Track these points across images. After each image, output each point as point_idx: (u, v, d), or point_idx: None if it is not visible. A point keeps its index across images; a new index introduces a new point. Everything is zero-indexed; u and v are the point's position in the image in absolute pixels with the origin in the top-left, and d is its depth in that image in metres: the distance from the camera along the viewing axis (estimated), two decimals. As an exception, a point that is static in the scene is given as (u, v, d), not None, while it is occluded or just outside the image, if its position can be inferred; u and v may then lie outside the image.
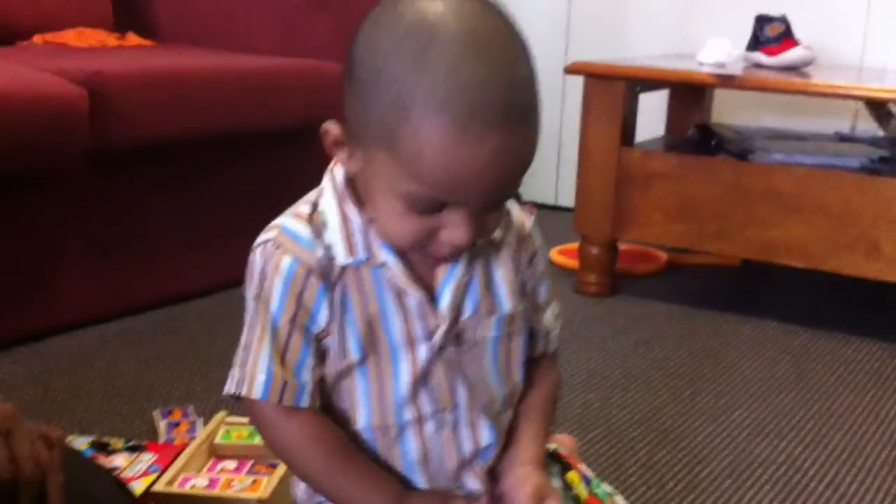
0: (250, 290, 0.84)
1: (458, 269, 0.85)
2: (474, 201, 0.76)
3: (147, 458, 1.28)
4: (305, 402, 0.83)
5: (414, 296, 0.83)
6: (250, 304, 0.84)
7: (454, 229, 0.77)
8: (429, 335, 0.84)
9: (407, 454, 0.86)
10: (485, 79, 0.74)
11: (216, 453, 1.31)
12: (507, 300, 0.88)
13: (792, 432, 1.59)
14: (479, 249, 0.86)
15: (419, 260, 0.84)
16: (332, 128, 0.82)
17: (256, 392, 0.82)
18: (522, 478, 0.87)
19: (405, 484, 0.87)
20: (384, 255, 0.83)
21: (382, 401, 0.84)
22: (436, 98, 0.72)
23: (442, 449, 0.86)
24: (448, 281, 0.84)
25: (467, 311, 0.86)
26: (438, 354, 0.84)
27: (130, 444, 1.33)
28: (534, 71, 0.80)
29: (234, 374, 0.84)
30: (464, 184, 0.74)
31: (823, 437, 1.58)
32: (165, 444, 1.35)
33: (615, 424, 1.58)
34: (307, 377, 0.83)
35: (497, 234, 0.87)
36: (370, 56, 0.76)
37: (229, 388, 0.85)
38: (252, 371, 0.82)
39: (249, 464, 1.29)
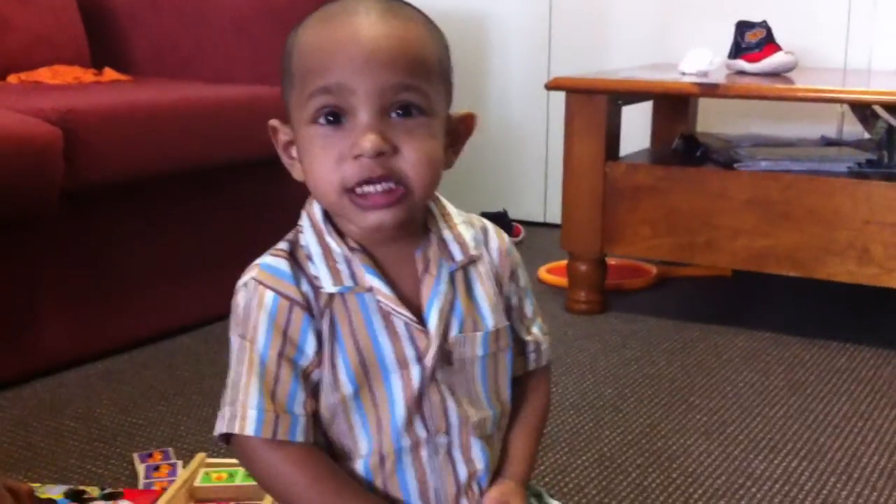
0: (235, 329, 0.84)
1: (442, 288, 0.85)
2: (362, 90, 0.79)
3: (123, 505, 1.25)
4: (300, 435, 0.82)
5: (402, 317, 0.83)
6: (236, 342, 0.84)
7: (358, 136, 0.79)
8: (419, 357, 0.84)
9: (406, 485, 0.85)
10: (356, 2, 0.83)
11: (195, 497, 1.29)
12: (489, 317, 0.88)
13: (787, 445, 1.56)
14: (459, 269, 0.88)
15: (404, 283, 0.85)
16: (277, 125, 0.88)
17: (249, 428, 0.81)
18: (501, 493, 0.88)
19: None
20: (370, 281, 0.83)
21: (381, 429, 0.83)
22: (313, 19, 0.83)
23: (439, 477, 0.86)
24: (433, 300, 0.85)
25: (454, 329, 0.86)
26: (431, 376, 0.84)
27: (106, 491, 1.31)
28: (424, 22, 0.85)
29: (225, 413, 0.83)
30: (340, 62, 0.79)
31: (819, 449, 1.55)
32: (143, 490, 1.32)
33: (607, 447, 1.55)
34: (300, 410, 0.82)
35: (474, 251, 0.89)
36: (286, 44, 0.85)
37: (220, 427, 0.83)
38: (243, 407, 0.81)
39: (229, 506, 1.26)
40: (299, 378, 0.82)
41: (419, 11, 0.85)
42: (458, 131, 0.88)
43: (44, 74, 2.21)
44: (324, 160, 0.80)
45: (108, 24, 2.47)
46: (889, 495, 1.41)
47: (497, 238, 0.92)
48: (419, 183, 0.81)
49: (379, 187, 0.79)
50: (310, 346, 0.82)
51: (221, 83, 2.24)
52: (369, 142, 0.78)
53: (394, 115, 0.80)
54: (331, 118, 0.80)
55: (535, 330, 0.95)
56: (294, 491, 0.82)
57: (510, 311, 0.92)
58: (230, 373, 0.84)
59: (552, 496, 1.00)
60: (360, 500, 0.83)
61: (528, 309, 0.95)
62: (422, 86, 0.80)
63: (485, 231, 0.92)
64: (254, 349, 0.82)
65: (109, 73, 2.31)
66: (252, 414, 0.81)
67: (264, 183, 2.13)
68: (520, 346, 0.94)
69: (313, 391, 0.83)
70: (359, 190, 0.80)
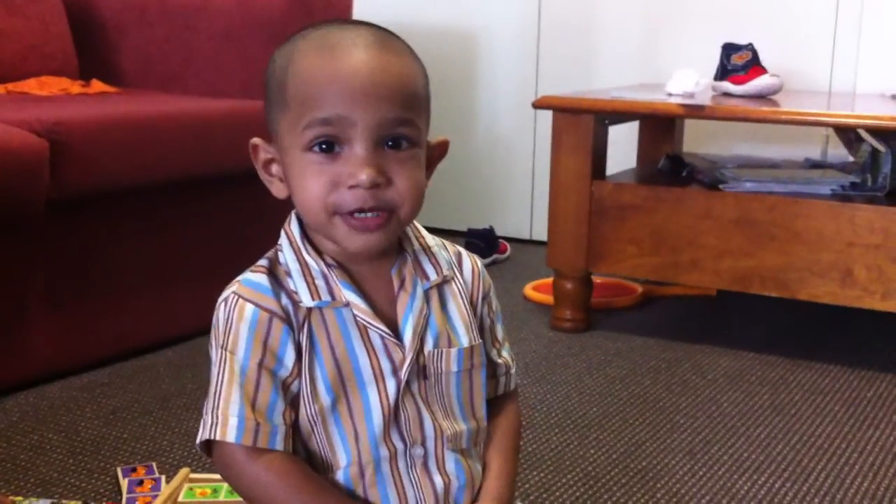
0: (216, 341, 0.86)
1: (417, 304, 0.89)
2: (361, 123, 0.82)
3: (106, 520, 1.24)
4: (279, 444, 0.84)
5: (378, 331, 0.86)
6: (217, 353, 0.86)
7: (353, 167, 0.82)
8: (395, 370, 0.86)
9: (386, 496, 0.86)
10: (350, 32, 0.86)
11: (179, 512, 1.28)
12: (464, 334, 0.92)
13: (771, 466, 1.57)
14: (433, 287, 0.91)
15: (379, 299, 0.88)
16: (259, 143, 0.90)
17: (230, 435, 0.82)
18: None
19: None
20: (347, 296, 0.86)
21: (358, 440, 0.85)
22: (309, 46, 0.85)
23: (416, 488, 0.87)
24: (408, 315, 0.88)
25: (429, 344, 0.89)
26: (406, 389, 0.87)
27: (89, 505, 1.30)
28: (412, 56, 0.89)
29: (206, 420, 0.84)
30: (341, 96, 0.82)
31: (803, 470, 1.56)
32: (126, 505, 1.31)
33: (591, 466, 1.55)
34: (279, 420, 0.84)
35: (447, 272, 0.93)
36: (271, 65, 0.88)
37: (202, 434, 0.84)
38: (224, 415, 0.83)
39: (213, 522, 1.25)
40: (279, 389, 0.84)
41: (406, 43, 0.89)
42: (433, 156, 0.92)
43: (31, 86, 2.20)
44: (316, 185, 0.83)
45: (97, 35, 2.46)
46: (872, 517, 1.42)
47: (470, 261, 0.97)
48: (407, 211, 0.85)
49: (370, 213, 0.84)
50: (289, 358, 0.84)
51: (210, 95, 2.24)
52: (366, 175, 0.82)
53: (386, 146, 0.84)
54: (324, 146, 0.83)
55: (504, 353, 0.99)
56: (273, 499, 0.83)
57: (483, 332, 0.96)
58: (211, 384, 0.86)
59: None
60: None
61: (500, 333, 0.99)
62: (415, 119, 0.85)
63: (458, 255, 0.97)
64: (234, 360, 0.84)
65: (97, 85, 2.30)
66: (233, 421, 0.83)
67: (251, 195, 2.10)
68: (492, 368, 0.97)
69: (292, 402, 0.85)
70: (350, 214, 0.84)
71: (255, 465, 0.83)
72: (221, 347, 0.85)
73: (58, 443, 1.58)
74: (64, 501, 1.33)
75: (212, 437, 0.83)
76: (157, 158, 1.93)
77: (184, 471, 1.35)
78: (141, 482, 1.39)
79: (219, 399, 0.83)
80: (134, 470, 1.44)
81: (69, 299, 1.87)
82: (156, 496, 1.32)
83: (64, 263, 1.86)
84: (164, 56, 2.41)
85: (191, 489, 1.30)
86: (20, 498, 1.33)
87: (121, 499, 1.36)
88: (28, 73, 2.29)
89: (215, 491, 1.30)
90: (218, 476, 1.37)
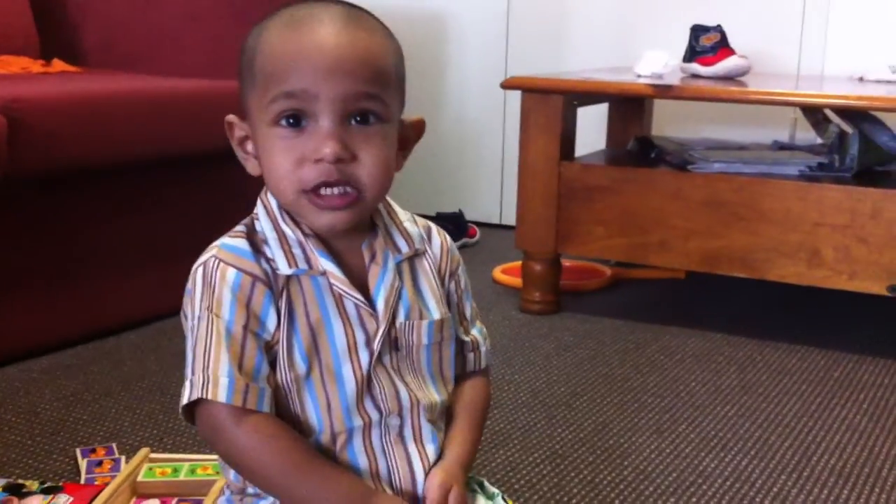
0: (198, 302, 0.84)
1: (389, 277, 0.89)
2: (325, 97, 0.82)
3: (63, 500, 1.21)
4: (266, 406, 0.83)
5: (353, 299, 0.86)
6: (200, 314, 0.84)
7: (318, 141, 0.82)
8: (368, 340, 0.86)
9: (357, 464, 0.86)
10: (319, 9, 0.85)
11: (138, 492, 1.25)
12: (434, 308, 0.92)
13: (738, 444, 1.57)
14: (405, 260, 0.92)
15: (352, 271, 0.88)
16: (234, 120, 0.90)
17: (221, 395, 0.81)
18: (445, 474, 0.88)
19: None
20: (324, 264, 0.86)
21: (331, 409, 0.85)
22: (278, 22, 0.85)
23: (390, 458, 0.87)
24: (380, 287, 0.88)
25: (400, 316, 0.89)
26: (379, 360, 0.87)
27: (46, 485, 1.27)
28: (384, 33, 0.88)
29: (195, 380, 0.82)
30: (305, 69, 0.82)
31: (770, 448, 1.55)
32: (84, 485, 1.28)
33: (559, 444, 1.54)
34: (263, 383, 0.83)
35: (419, 245, 0.93)
36: (243, 44, 0.88)
37: (192, 394, 0.82)
38: (214, 375, 0.82)
39: (173, 502, 1.23)
40: (262, 352, 0.84)
41: (379, 21, 0.88)
42: (409, 136, 0.92)
43: (-10, 64, 2.16)
44: (284, 162, 0.83)
45: (58, 14, 2.42)
46: (839, 494, 1.41)
47: (439, 237, 0.97)
48: (373, 189, 0.85)
49: (336, 190, 0.83)
50: (271, 322, 0.84)
51: (174, 75, 2.21)
52: (330, 148, 0.82)
53: (353, 122, 0.83)
54: (291, 121, 0.83)
55: (474, 332, 0.99)
56: (260, 463, 0.82)
57: (450, 309, 0.96)
58: (194, 346, 0.84)
59: (504, 492, 1.00)
60: (325, 470, 0.83)
61: (468, 311, 0.99)
62: (381, 94, 0.84)
63: (428, 229, 0.97)
64: (219, 322, 0.83)
65: (58, 65, 2.26)
66: (223, 381, 0.82)
67: (217, 177, 2.10)
68: (458, 346, 0.97)
69: (271, 367, 0.85)
70: (316, 192, 0.83)
71: (242, 427, 0.81)
72: (207, 309, 0.83)
73: (16, 424, 1.55)
74: (21, 482, 1.30)
75: (202, 397, 0.81)
76: (119, 138, 1.90)
77: (143, 451, 1.33)
78: (100, 463, 1.36)
79: (208, 359, 0.82)
80: (93, 451, 1.41)
81: (29, 281, 1.83)
82: (115, 476, 1.29)
83: (24, 244, 1.82)
84: (127, 35, 2.37)
85: (151, 469, 1.28)
86: (-25, 479, 1.30)
87: (79, 479, 1.34)
88: (-13, 52, 2.24)
89: (175, 471, 1.27)
90: (178, 456, 1.34)
